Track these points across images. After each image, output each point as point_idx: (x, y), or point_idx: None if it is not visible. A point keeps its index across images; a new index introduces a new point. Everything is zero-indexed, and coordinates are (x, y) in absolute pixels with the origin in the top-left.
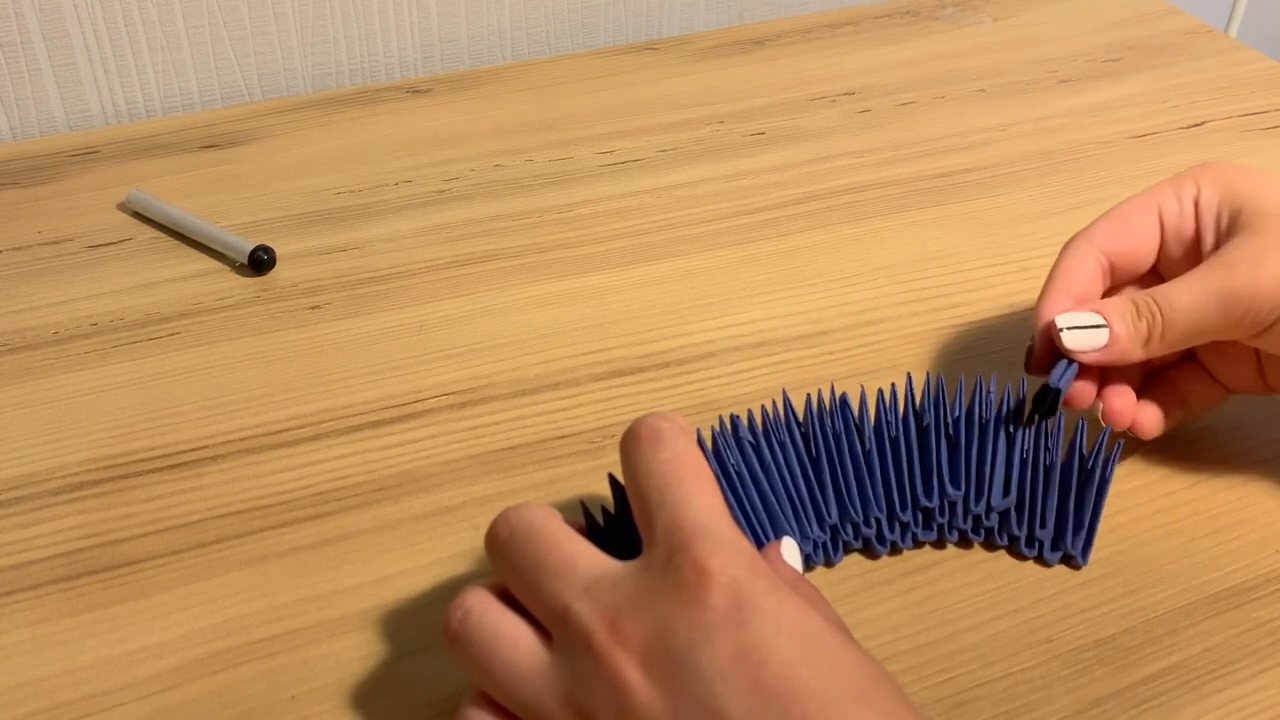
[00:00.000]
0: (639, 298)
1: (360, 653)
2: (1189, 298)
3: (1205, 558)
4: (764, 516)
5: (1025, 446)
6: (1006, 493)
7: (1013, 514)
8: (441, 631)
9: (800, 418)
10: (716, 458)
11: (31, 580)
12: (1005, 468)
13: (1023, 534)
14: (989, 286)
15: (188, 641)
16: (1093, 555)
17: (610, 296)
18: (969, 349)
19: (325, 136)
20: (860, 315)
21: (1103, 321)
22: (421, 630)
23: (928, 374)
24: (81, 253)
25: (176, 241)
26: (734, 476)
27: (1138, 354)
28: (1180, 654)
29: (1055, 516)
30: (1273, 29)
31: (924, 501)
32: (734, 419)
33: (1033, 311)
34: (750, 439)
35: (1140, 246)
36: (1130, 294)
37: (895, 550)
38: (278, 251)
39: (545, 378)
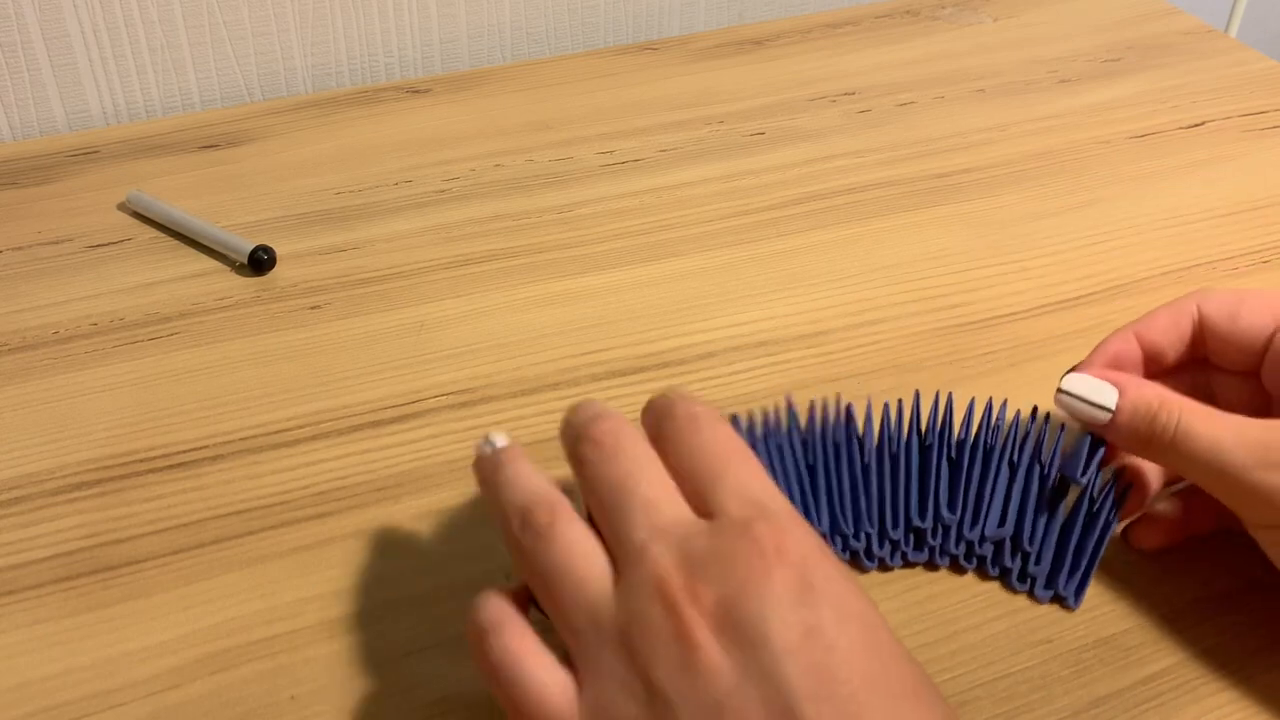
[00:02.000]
0: (639, 298)
1: (360, 653)
2: (1212, 434)
3: (1205, 558)
4: None
5: (1029, 479)
6: (1003, 523)
7: (1008, 545)
8: (517, 528)
9: (803, 424)
10: None
11: (31, 580)
12: (1005, 498)
13: (1015, 568)
14: (989, 286)
15: (188, 641)
16: None
17: (610, 296)
18: (969, 349)
19: (325, 136)
20: (860, 315)
21: (1110, 405)
22: (421, 630)
23: (937, 392)
24: (81, 253)
25: (176, 241)
26: None
27: (1136, 452)
28: (1180, 654)
29: (1052, 555)
30: (1273, 29)
31: (917, 521)
32: (734, 418)
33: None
34: (747, 439)
35: (1174, 321)
36: (1163, 392)
37: (884, 568)
38: (278, 251)
39: (545, 378)
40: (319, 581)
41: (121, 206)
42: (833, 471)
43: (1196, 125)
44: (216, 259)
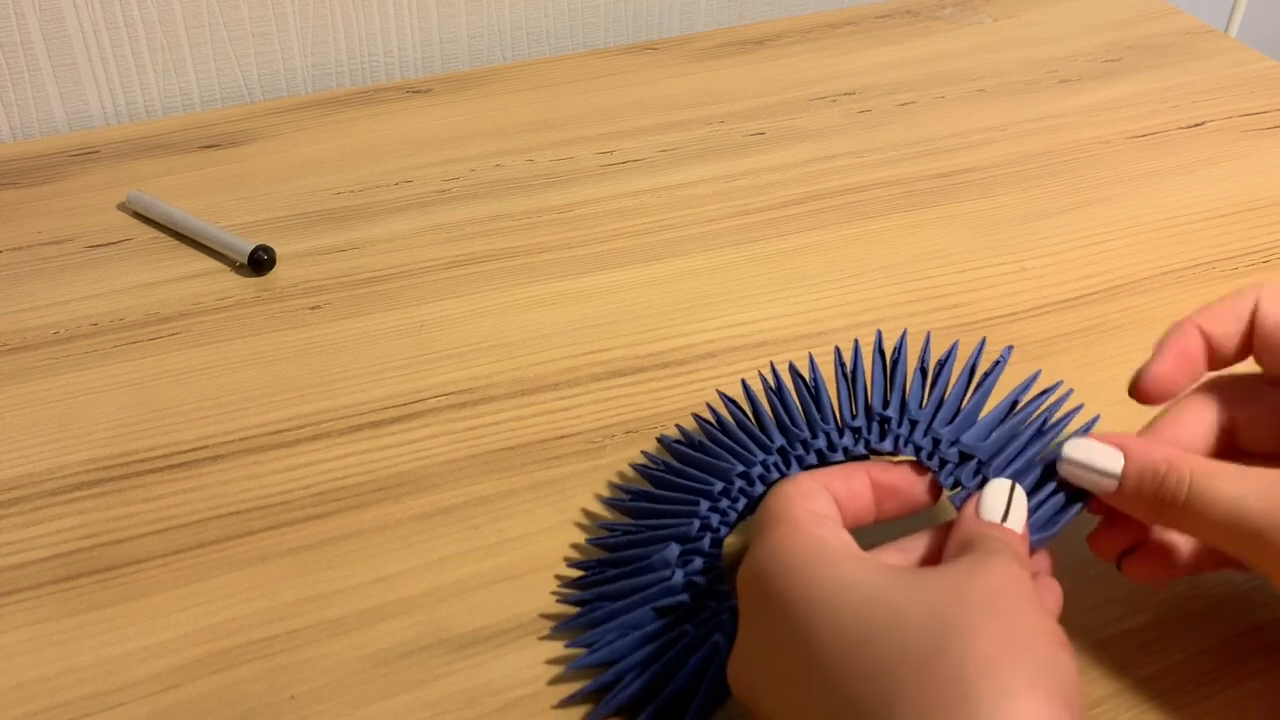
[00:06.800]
0: (639, 298)
1: (360, 653)
2: (1230, 493)
3: None
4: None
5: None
6: (985, 439)
7: (974, 465)
8: None
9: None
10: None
11: (31, 580)
12: (993, 423)
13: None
14: (989, 286)
15: (188, 641)
16: (1092, 554)
17: (610, 296)
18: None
19: (325, 136)
20: (860, 315)
21: (1116, 472)
22: (421, 630)
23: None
24: (81, 253)
25: (176, 241)
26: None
27: (1148, 519)
28: (1180, 654)
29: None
30: (1273, 29)
31: (879, 410)
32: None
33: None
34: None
35: (1234, 314)
36: (1172, 453)
37: (849, 455)
38: (278, 251)
39: (545, 378)
40: (319, 581)
41: (121, 206)
42: (792, 402)
43: (1196, 125)
44: (216, 259)
